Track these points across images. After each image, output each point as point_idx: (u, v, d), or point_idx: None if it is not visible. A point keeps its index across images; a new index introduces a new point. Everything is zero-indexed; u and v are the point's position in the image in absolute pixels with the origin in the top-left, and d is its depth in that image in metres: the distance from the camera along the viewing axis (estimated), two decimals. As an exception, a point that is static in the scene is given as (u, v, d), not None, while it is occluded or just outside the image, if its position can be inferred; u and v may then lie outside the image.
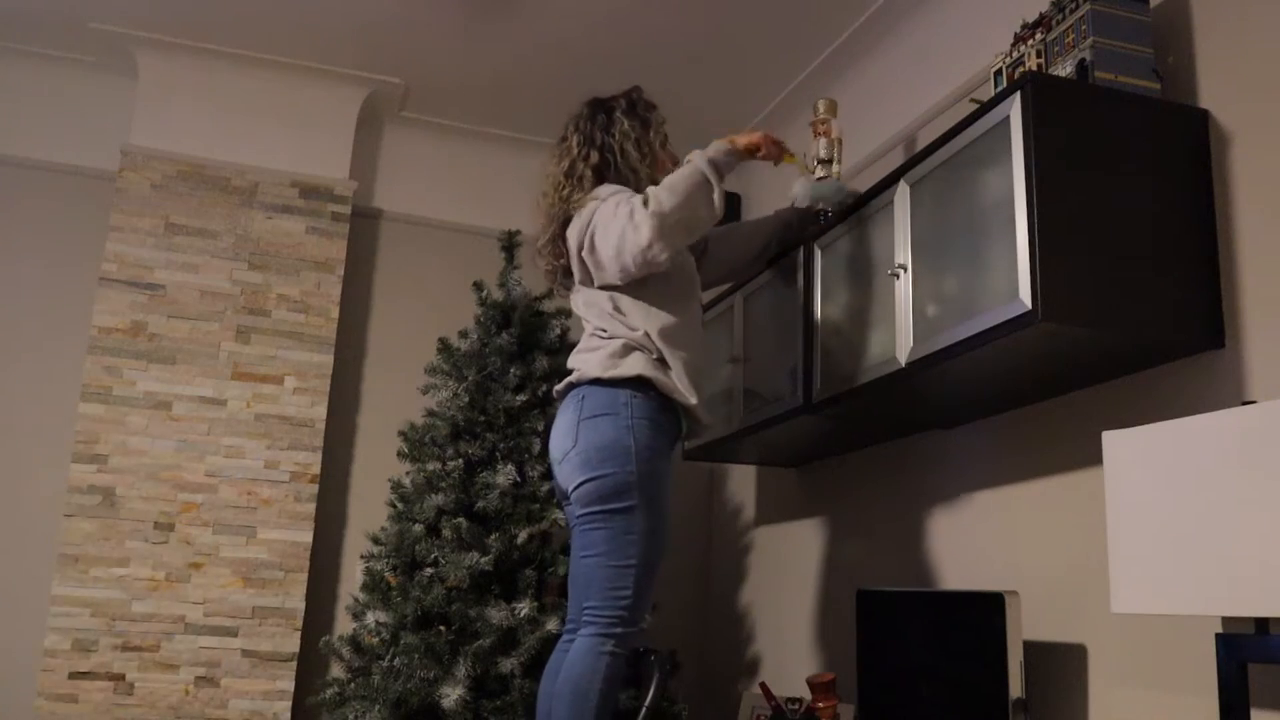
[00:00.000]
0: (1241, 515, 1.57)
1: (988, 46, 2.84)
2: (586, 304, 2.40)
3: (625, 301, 2.33)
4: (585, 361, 2.31)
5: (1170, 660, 2.05)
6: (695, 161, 2.30)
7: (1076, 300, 1.94)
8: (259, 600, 3.66)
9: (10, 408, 3.77)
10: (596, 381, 2.27)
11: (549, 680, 2.27)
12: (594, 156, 2.40)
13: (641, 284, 2.33)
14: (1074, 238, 1.97)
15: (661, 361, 2.31)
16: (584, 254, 2.32)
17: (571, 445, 2.24)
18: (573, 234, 2.36)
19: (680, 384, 2.30)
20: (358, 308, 4.18)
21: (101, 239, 3.85)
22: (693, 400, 2.32)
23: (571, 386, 2.34)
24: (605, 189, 2.37)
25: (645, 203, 2.23)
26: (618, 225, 2.24)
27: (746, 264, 2.91)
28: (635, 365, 2.25)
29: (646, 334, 2.30)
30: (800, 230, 2.88)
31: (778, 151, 2.49)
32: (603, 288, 2.35)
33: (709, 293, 3.30)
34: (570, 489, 2.25)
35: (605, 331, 2.33)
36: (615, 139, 2.41)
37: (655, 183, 2.38)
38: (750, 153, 2.43)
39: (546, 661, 2.36)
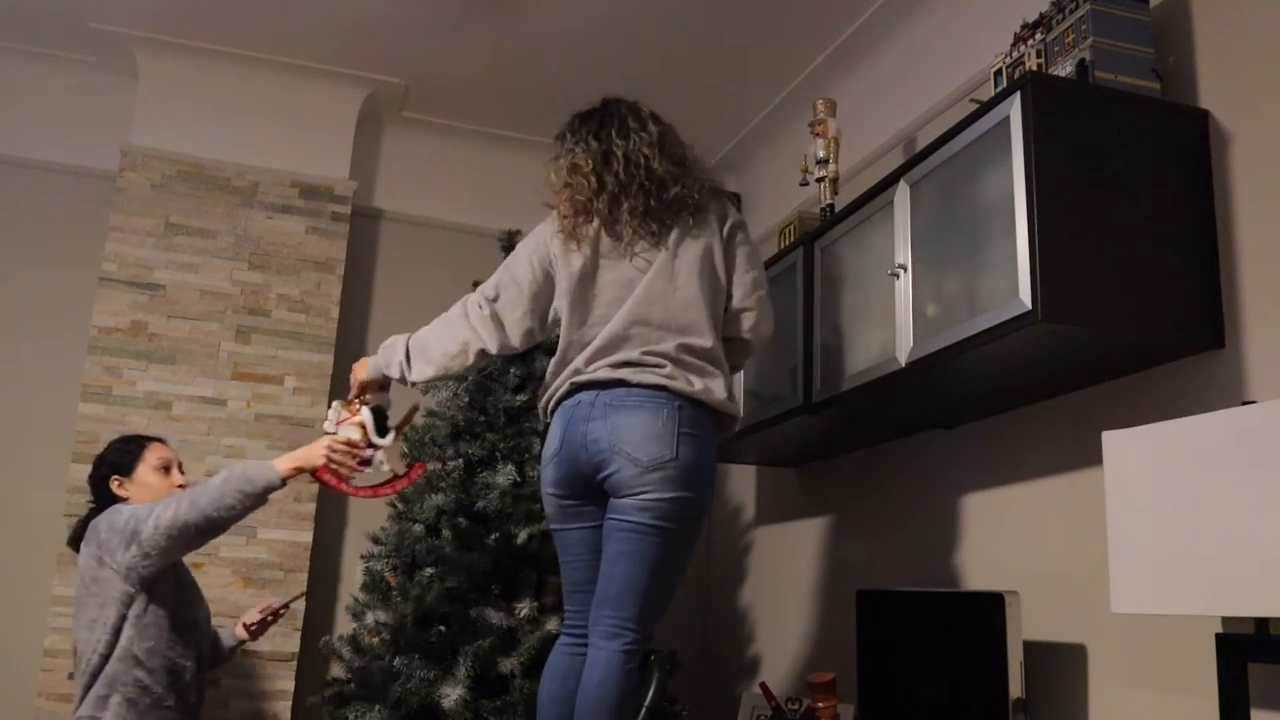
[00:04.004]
0: (1241, 515, 1.57)
1: (988, 46, 2.84)
2: (684, 303, 2.23)
3: (712, 317, 2.26)
4: (689, 381, 2.18)
5: (1170, 660, 2.05)
6: None
7: (1076, 300, 1.94)
8: (259, 600, 3.66)
9: (10, 408, 3.77)
10: (693, 400, 2.18)
11: (551, 682, 2.24)
12: (667, 142, 2.36)
13: (716, 306, 2.29)
14: (1074, 238, 1.97)
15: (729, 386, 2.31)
16: (750, 298, 2.32)
17: (670, 456, 2.11)
18: (730, 226, 2.33)
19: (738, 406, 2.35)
20: (358, 308, 4.18)
21: (101, 239, 3.85)
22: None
23: (664, 390, 2.17)
24: (744, 230, 2.37)
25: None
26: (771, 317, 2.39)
27: None
28: (729, 405, 2.24)
29: (726, 364, 2.29)
30: None
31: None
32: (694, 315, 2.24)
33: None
34: (647, 498, 2.11)
35: (694, 349, 2.21)
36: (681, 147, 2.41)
37: None
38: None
39: (546, 661, 2.34)
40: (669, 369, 2.17)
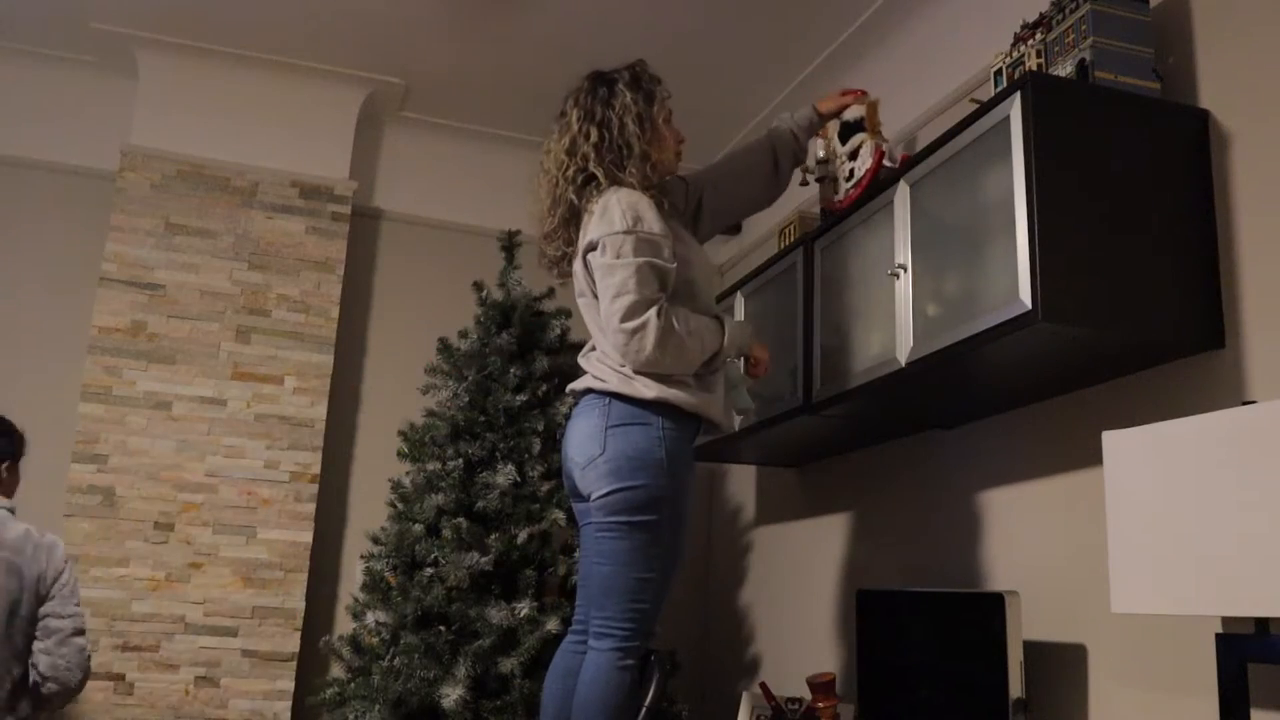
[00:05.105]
0: (1241, 515, 1.57)
1: (988, 46, 2.84)
2: (598, 326, 2.28)
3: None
4: (609, 378, 2.20)
5: (1170, 660, 2.05)
6: (725, 346, 2.28)
7: (1076, 300, 1.94)
8: (259, 600, 3.66)
9: (10, 408, 3.76)
10: (619, 395, 2.18)
11: (553, 681, 2.26)
12: (593, 134, 2.26)
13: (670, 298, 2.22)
14: (1074, 237, 1.96)
15: (698, 379, 2.24)
16: (610, 334, 2.17)
17: (599, 452, 2.15)
18: (583, 250, 2.25)
19: (716, 404, 2.27)
20: (358, 308, 4.18)
21: (101, 239, 3.85)
22: (720, 416, 2.30)
23: (591, 391, 2.23)
24: (611, 206, 2.19)
25: (655, 335, 2.12)
26: (622, 317, 2.13)
27: (760, 193, 2.63)
28: (666, 394, 2.16)
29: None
30: (803, 139, 2.64)
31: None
32: None
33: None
34: (594, 496, 2.16)
35: (610, 357, 2.24)
36: (615, 112, 2.27)
37: (650, 160, 2.27)
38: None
39: (546, 661, 2.34)
40: (597, 369, 2.25)
